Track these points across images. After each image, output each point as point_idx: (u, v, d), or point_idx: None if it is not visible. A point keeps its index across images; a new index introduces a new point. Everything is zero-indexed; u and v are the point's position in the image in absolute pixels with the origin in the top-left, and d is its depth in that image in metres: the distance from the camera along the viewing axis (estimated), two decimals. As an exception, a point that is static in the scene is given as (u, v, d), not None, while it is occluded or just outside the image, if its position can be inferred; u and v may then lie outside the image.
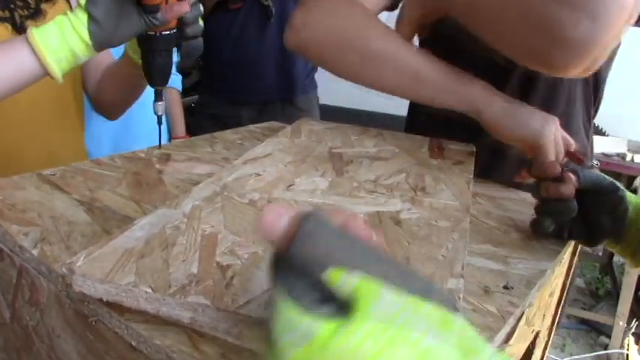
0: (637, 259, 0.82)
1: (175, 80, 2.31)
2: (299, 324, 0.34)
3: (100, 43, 0.91)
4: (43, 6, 1.16)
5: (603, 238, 0.83)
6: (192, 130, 2.36)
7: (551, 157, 0.93)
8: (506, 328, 0.62)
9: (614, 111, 3.54)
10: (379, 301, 0.34)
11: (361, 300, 0.34)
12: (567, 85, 1.09)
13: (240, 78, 2.23)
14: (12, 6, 1.11)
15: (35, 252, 0.67)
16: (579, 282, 3.69)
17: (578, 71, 0.87)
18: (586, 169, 0.81)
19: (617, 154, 3.25)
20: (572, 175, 0.80)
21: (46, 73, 0.91)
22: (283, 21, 2.10)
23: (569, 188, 0.79)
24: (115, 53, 1.25)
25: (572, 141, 0.98)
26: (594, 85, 1.13)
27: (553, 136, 0.93)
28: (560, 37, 0.84)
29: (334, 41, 0.99)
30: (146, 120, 1.96)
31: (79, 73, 1.29)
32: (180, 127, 2.32)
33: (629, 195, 0.81)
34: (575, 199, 0.80)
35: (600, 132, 3.52)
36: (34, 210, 0.76)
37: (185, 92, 2.50)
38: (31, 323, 0.72)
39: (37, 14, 1.14)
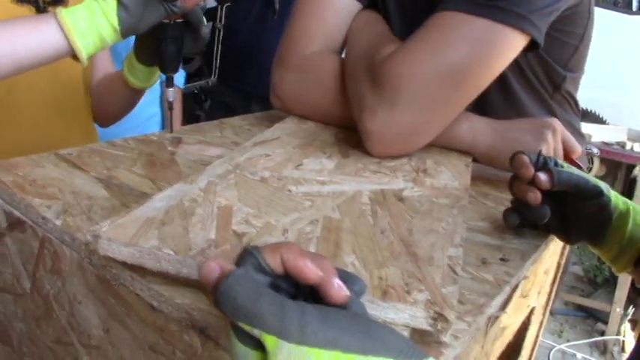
0: (618, 264, 0.80)
1: (178, 77, 2.33)
2: (236, 349, 0.44)
3: (127, 29, 0.94)
4: None
5: (580, 241, 0.82)
6: (206, 115, 2.36)
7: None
8: (502, 296, 0.66)
9: (614, 99, 3.59)
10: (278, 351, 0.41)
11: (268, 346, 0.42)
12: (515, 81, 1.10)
13: (251, 69, 2.25)
14: None
15: (58, 222, 0.71)
16: (577, 269, 3.73)
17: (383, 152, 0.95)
18: (567, 171, 0.76)
19: (617, 143, 3.26)
20: (544, 177, 0.75)
21: (70, 52, 0.93)
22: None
23: (535, 195, 0.75)
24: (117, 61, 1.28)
25: (576, 146, 1.00)
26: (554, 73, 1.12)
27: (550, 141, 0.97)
28: (360, 118, 0.96)
29: (311, 109, 1.10)
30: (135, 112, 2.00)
31: (89, 69, 1.33)
32: (177, 125, 2.33)
33: (615, 200, 0.78)
34: (545, 206, 0.76)
35: (600, 120, 3.55)
36: (54, 185, 0.80)
37: (188, 78, 2.52)
38: (52, 292, 0.75)
39: (58, 0, 1.18)
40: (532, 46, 0.94)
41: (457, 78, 0.91)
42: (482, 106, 1.00)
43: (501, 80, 0.97)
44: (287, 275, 0.47)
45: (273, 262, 0.47)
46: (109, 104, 1.32)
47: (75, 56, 0.94)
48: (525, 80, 1.07)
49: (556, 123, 0.98)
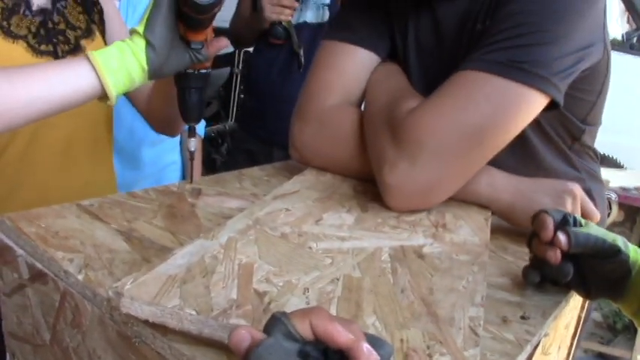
0: (639, 318, 0.80)
1: (199, 126, 2.33)
2: None
3: (155, 70, 0.95)
4: (82, 42, 1.22)
5: (600, 297, 0.81)
6: (226, 160, 2.36)
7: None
8: (524, 355, 0.65)
9: (631, 143, 3.57)
10: None
11: None
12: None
13: (275, 118, 2.25)
14: (54, 40, 1.17)
15: (80, 277, 0.71)
16: (596, 316, 3.67)
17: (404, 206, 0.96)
18: (584, 233, 0.75)
19: (636, 188, 3.23)
20: (563, 238, 0.74)
21: (101, 93, 0.94)
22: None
23: (555, 255, 0.75)
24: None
25: (595, 214, 1.00)
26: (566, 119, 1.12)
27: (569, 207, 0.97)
28: (379, 172, 0.97)
29: (330, 162, 1.11)
30: (154, 159, 2.02)
31: (111, 110, 1.35)
32: (197, 174, 2.33)
33: (634, 255, 0.77)
34: (568, 263, 0.76)
35: (617, 165, 3.52)
36: (76, 237, 0.81)
37: (205, 123, 2.53)
38: (72, 345, 0.76)
39: (76, 49, 1.20)
40: (552, 105, 0.94)
41: (478, 136, 0.92)
42: (500, 159, 1.01)
43: (520, 135, 0.97)
44: (316, 342, 0.47)
45: (303, 329, 0.47)
46: (163, 108, 1.30)
47: (102, 97, 0.95)
48: (544, 134, 1.08)
49: (576, 189, 0.98)
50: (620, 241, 0.77)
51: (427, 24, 1.10)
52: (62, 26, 1.20)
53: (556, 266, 0.76)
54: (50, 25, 1.17)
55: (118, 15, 1.38)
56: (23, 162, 1.17)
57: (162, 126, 1.38)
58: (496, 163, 1.00)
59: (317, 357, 0.48)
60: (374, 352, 0.45)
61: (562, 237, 0.74)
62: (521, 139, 1.02)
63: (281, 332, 0.47)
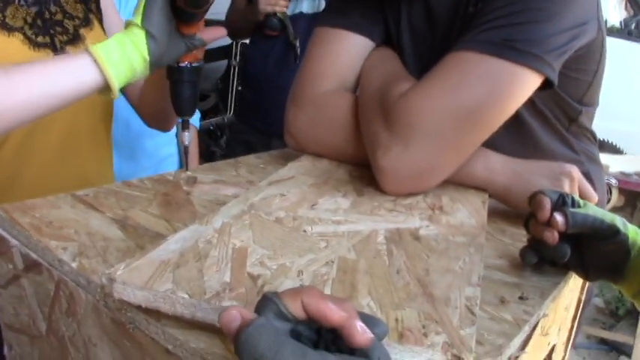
0: None
1: (194, 118, 2.33)
2: None
3: (156, 60, 0.95)
4: (82, 31, 1.21)
5: (600, 278, 0.81)
6: (225, 152, 2.35)
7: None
8: (522, 335, 0.65)
9: (630, 129, 3.56)
10: None
11: None
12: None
13: (272, 108, 2.24)
14: (52, 31, 1.16)
15: (74, 265, 0.71)
16: (599, 301, 3.66)
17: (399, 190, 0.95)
18: (582, 213, 0.75)
19: (636, 173, 3.22)
20: (560, 219, 0.74)
21: (104, 86, 0.93)
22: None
23: (552, 235, 0.74)
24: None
25: (592, 195, 0.99)
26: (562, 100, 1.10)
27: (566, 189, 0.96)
28: (373, 156, 0.96)
29: (325, 147, 1.10)
30: (151, 151, 2.02)
31: (111, 104, 1.34)
32: (195, 164, 2.33)
33: (634, 236, 0.76)
34: (565, 244, 0.75)
35: (617, 150, 3.52)
36: (70, 227, 0.80)
37: (203, 115, 2.53)
38: (68, 334, 0.75)
39: (76, 39, 1.19)
40: (546, 84, 0.94)
41: (472, 117, 0.91)
42: (496, 140, 1.00)
43: (515, 116, 0.97)
44: (308, 321, 0.47)
45: (294, 308, 0.46)
46: (156, 100, 1.28)
47: (103, 91, 0.94)
48: (540, 116, 1.07)
49: (574, 170, 0.98)
50: (618, 221, 0.77)
51: (420, 9, 1.09)
52: (59, 16, 1.19)
53: (553, 247, 0.75)
54: (47, 15, 1.16)
55: (114, 6, 1.37)
56: (21, 155, 1.16)
57: (156, 120, 1.37)
58: (492, 145, 0.99)
59: (309, 336, 0.48)
60: (368, 330, 0.45)
61: (559, 217, 0.74)
62: (518, 120, 1.01)
63: (272, 312, 0.46)
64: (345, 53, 1.12)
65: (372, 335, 0.45)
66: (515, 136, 1.05)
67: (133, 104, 1.37)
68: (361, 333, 0.44)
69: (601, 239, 0.76)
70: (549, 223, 0.74)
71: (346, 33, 1.12)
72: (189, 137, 1.10)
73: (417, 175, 0.93)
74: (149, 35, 0.93)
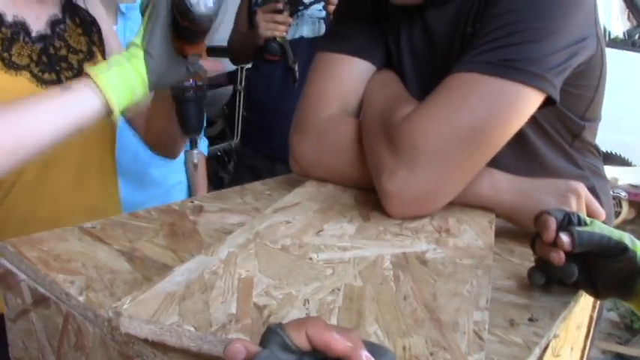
0: None
1: (202, 144, 2.33)
2: None
3: (155, 81, 0.95)
4: (86, 65, 1.21)
5: (610, 296, 0.80)
6: (232, 177, 2.36)
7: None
8: (532, 358, 0.64)
9: (637, 140, 3.54)
10: None
11: None
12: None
13: (277, 133, 2.24)
14: (57, 68, 1.17)
15: (81, 299, 0.71)
16: (613, 316, 3.63)
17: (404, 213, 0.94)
18: (588, 232, 0.74)
19: (645, 185, 3.19)
20: (566, 239, 0.73)
21: (106, 110, 0.93)
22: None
23: (559, 256, 0.73)
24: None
25: (600, 211, 0.98)
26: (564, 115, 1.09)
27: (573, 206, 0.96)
28: (378, 180, 0.96)
29: (330, 172, 1.09)
30: (160, 180, 2.04)
31: (114, 133, 1.34)
32: (202, 192, 2.32)
33: None
34: (572, 264, 0.75)
35: (625, 162, 3.50)
36: (77, 260, 0.80)
37: (211, 141, 2.53)
38: (77, 368, 0.75)
39: (80, 74, 1.17)
40: (548, 102, 0.94)
41: (475, 137, 0.91)
42: (501, 159, 1.00)
43: (519, 135, 0.97)
44: (314, 352, 0.46)
45: (299, 339, 0.46)
46: (160, 128, 1.29)
47: (106, 114, 0.94)
48: (544, 133, 1.07)
49: (580, 187, 0.97)
50: (627, 238, 0.76)
51: (419, 30, 1.09)
52: (64, 51, 1.19)
53: (560, 267, 0.75)
54: (52, 50, 1.17)
55: (115, 35, 1.38)
56: (35, 192, 1.17)
57: (163, 147, 1.37)
58: (497, 164, 0.99)
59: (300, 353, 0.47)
60: None
61: (565, 237, 0.73)
62: (521, 139, 1.01)
63: (277, 344, 0.46)
64: (347, 78, 1.12)
65: None
66: (519, 155, 1.05)
67: (140, 133, 1.38)
68: None
69: (609, 257, 0.75)
70: (555, 243, 0.73)
71: (348, 58, 1.12)
72: (198, 156, 1.10)
73: (423, 198, 0.92)
74: (148, 55, 0.93)
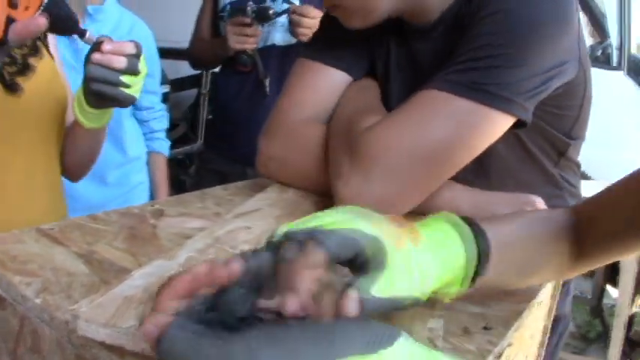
0: None
1: (164, 146, 2.33)
2: None
3: None
4: (31, 60, 1.19)
5: None
6: (194, 181, 2.35)
7: None
8: (485, 367, 0.66)
9: (596, 154, 3.61)
10: None
11: None
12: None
13: (247, 139, 2.20)
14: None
15: (38, 301, 0.70)
16: (570, 326, 3.69)
17: None
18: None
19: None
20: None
21: None
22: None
23: None
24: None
25: None
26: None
27: None
28: (335, 185, 0.96)
29: (296, 175, 1.10)
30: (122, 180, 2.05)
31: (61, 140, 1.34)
32: (163, 194, 2.32)
33: None
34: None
35: (585, 176, 3.57)
36: (34, 262, 0.80)
37: (173, 144, 2.51)
38: (32, 371, 0.75)
39: (26, 69, 1.17)
40: (520, 123, 0.94)
41: (435, 156, 0.92)
42: (474, 179, 1.01)
43: (495, 153, 0.98)
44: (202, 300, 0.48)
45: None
46: (73, 153, 1.32)
47: None
48: (526, 152, 1.08)
49: (538, 201, 0.99)
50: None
51: (405, 54, 1.11)
52: None
53: None
54: None
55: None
56: None
57: (69, 170, 1.39)
58: (470, 184, 1.00)
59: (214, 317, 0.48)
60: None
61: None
62: (496, 157, 1.02)
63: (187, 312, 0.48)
64: (324, 87, 1.12)
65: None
66: (500, 174, 1.06)
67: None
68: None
69: None
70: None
71: (327, 68, 1.13)
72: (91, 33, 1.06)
73: (378, 207, 0.93)
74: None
